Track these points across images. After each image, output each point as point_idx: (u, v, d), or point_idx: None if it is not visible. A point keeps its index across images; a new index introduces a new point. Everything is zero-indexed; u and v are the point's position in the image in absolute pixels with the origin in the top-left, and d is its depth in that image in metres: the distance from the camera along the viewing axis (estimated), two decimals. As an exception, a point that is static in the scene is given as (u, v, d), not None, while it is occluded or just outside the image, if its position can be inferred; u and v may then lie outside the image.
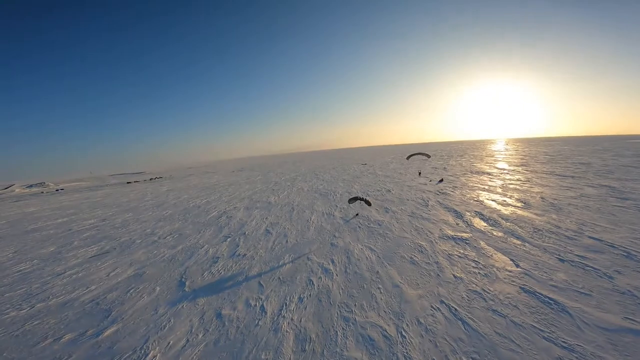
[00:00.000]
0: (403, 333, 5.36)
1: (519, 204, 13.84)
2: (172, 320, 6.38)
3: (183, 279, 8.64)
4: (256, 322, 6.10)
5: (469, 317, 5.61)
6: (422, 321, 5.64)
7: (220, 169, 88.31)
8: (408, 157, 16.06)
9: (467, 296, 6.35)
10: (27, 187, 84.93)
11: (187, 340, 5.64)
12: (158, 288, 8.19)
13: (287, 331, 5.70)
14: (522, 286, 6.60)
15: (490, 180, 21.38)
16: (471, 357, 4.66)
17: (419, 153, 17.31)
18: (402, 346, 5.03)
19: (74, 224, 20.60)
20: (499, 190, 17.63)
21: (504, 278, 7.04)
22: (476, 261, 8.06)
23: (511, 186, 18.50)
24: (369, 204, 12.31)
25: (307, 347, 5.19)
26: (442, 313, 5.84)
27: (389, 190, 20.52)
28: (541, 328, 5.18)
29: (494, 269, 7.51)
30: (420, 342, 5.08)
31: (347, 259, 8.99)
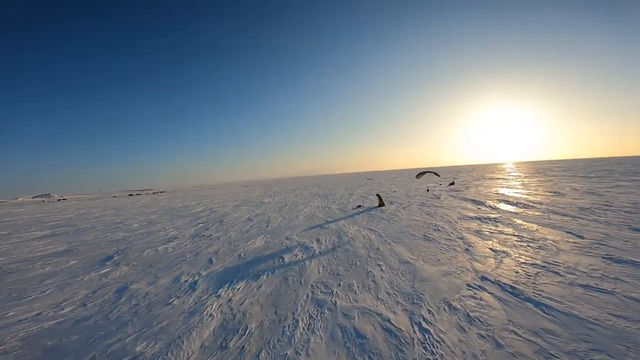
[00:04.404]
0: (423, 325, 2.86)
1: (548, 193, 11.36)
2: (47, 292, 4.15)
3: (114, 255, 6.41)
4: (170, 300, 3.78)
5: (544, 297, 3.17)
6: (458, 305, 3.18)
7: (224, 186, 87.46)
8: (418, 176, 13.81)
9: (525, 271, 3.91)
10: (31, 198, 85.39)
11: (39, 314, 3.36)
12: (74, 261, 5.97)
13: (210, 315, 3.34)
14: (607, 256, 4.15)
15: (507, 182, 18.82)
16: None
17: (429, 171, 15.07)
18: (426, 348, 2.53)
19: (48, 217, 18.78)
20: (520, 187, 15.11)
21: (570, 250, 4.60)
22: (519, 235, 5.63)
23: (532, 185, 15.92)
24: (381, 204, 11.51)
25: (230, 344, 2.79)
26: (489, 293, 3.40)
27: (395, 192, 18.14)
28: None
29: (549, 242, 5.08)
30: (462, 340, 2.59)
31: (337, 238, 6.61)
